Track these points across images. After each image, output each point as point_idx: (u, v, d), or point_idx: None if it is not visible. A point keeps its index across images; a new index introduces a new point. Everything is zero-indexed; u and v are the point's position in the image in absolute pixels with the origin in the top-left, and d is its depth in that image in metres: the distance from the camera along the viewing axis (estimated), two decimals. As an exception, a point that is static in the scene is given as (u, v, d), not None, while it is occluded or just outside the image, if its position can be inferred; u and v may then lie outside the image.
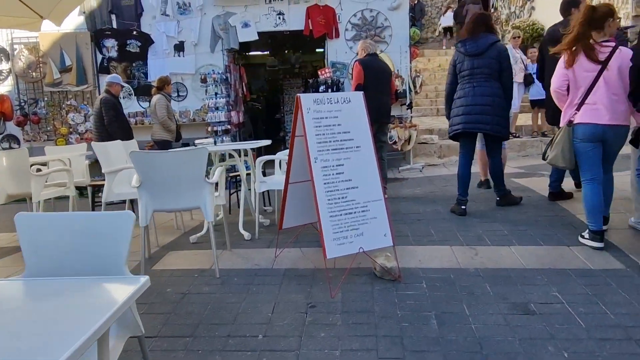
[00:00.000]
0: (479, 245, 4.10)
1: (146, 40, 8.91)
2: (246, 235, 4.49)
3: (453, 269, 3.64)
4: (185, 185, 3.54)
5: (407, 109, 8.71)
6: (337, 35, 8.86)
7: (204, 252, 4.20)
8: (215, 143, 4.79)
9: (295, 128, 3.56)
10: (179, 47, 8.94)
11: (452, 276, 3.52)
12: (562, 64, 3.95)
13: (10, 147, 9.16)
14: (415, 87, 8.57)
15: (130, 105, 9.08)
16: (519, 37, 8.59)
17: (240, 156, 4.89)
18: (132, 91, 9.05)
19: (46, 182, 5.31)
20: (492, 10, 18.95)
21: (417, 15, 15.17)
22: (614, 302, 3.06)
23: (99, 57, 8.99)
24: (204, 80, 8.71)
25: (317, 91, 8.42)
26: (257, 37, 8.85)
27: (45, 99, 9.08)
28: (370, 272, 3.60)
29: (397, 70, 8.80)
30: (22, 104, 9.07)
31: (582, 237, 4.04)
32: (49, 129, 9.14)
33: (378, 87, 5.82)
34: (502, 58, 4.82)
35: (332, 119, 3.47)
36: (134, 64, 9.01)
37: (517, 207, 5.22)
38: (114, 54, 8.95)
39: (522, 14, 15.27)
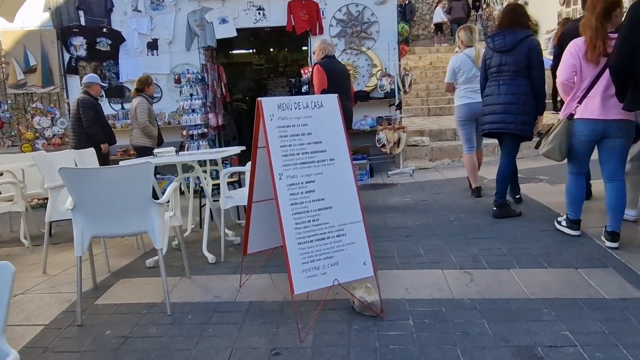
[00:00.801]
0: (474, 268, 3.58)
1: (117, 38, 8.32)
2: (210, 258, 3.95)
3: (445, 300, 3.12)
4: (128, 207, 2.99)
5: (396, 109, 8.19)
6: (321, 32, 8.32)
7: (159, 280, 3.65)
8: (177, 152, 4.23)
9: (257, 138, 3.02)
10: (153, 45, 8.37)
11: (444, 310, 2.99)
12: (570, 55, 3.71)
13: (-27, 154, 8.55)
14: (404, 86, 8.05)
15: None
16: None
17: (205, 166, 4.35)
18: (103, 93, 8.44)
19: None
20: (485, 6, 18.48)
21: (407, 16, 14.67)
22: (636, 344, 2.55)
23: (67, 56, 8.39)
24: (178, 81, 8.14)
25: (299, 92, 7.88)
26: (235, 34, 8.30)
27: (9, 101, 8.48)
28: (348, 305, 3.07)
29: (385, 68, 8.28)
30: (-16, 107, 8.46)
31: (559, 223, 4.21)
32: (13, 133, 8.54)
33: (340, 91, 5.32)
34: (532, 54, 4.45)
35: (300, 127, 2.93)
36: (104, 64, 8.43)
37: (515, 218, 4.71)
38: (82, 53, 8.36)
39: (515, 9, 14.80)
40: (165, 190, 3.37)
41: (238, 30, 8.33)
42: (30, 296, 3.50)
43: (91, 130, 6.53)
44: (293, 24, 8.22)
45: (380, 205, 5.93)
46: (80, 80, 8.36)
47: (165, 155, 4.21)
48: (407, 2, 14.84)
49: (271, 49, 12.93)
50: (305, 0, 8.22)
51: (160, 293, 3.36)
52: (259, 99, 2.86)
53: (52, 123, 8.48)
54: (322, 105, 3.01)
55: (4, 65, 8.34)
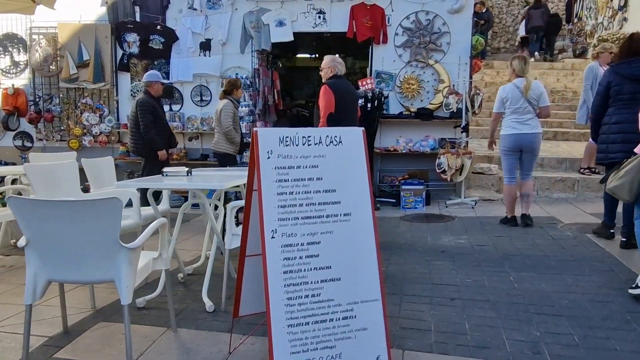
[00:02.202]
0: (534, 363, 2.71)
1: (170, 37, 7.97)
2: (208, 305, 3.31)
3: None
4: (90, 250, 2.40)
5: (462, 132, 7.28)
6: (385, 41, 7.56)
7: (143, 329, 3.05)
8: (190, 172, 3.63)
9: (251, 178, 2.34)
10: (205, 46, 7.94)
11: None
12: None
13: (24, 145, 8.52)
14: (473, 106, 7.13)
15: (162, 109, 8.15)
16: (611, 52, 6.91)
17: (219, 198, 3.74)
18: (153, 92, 8.11)
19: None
20: (575, 20, 16.91)
21: (484, 27, 13.52)
22: None
23: (119, 52, 8.14)
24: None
25: (354, 105, 7.13)
26: (291, 38, 7.71)
27: (61, 95, 8.33)
28: (356, 405, 2.32)
29: (454, 84, 7.39)
30: (37, 99, 8.36)
31: (636, 287, 3.51)
32: (62, 128, 8.39)
33: (348, 115, 5.00)
34: None
35: (307, 170, 2.22)
36: (155, 62, 8.10)
37: (592, 286, 3.76)
38: (135, 50, 8.07)
39: (612, 25, 13.27)
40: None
41: (297, 34, 7.75)
42: (-4, 332, 3.01)
43: (148, 135, 6.03)
44: (355, 30, 7.51)
45: (429, 245, 5.10)
46: (131, 78, 8.15)
47: (171, 176, 3.63)
48: (484, 10, 13.66)
49: (336, 55, 12.26)
50: (371, 5, 7.49)
51: (137, 349, 2.76)
52: (254, 129, 2.17)
53: (100, 120, 8.24)
54: (340, 142, 2.29)
55: (58, 58, 8.19)
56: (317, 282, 2.18)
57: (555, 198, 7.34)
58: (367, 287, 2.26)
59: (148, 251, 2.90)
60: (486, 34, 13.78)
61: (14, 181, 5.21)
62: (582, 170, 7.64)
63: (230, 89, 6.37)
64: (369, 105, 7.07)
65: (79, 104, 8.27)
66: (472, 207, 7.01)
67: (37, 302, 3.32)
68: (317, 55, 12.46)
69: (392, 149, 7.51)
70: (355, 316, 2.22)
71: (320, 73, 5.17)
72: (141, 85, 6.29)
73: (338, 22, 7.61)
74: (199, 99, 8.07)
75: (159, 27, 7.95)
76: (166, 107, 8.13)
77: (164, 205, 4.44)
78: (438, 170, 7.11)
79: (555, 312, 3.31)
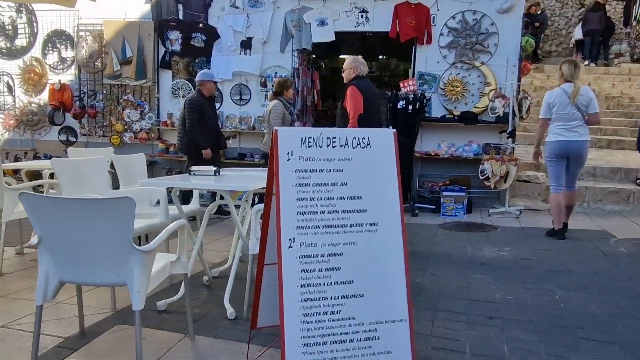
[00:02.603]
0: (579, 396, 2.44)
1: (212, 35, 7.94)
2: (229, 312, 3.17)
3: None
4: (102, 251, 2.29)
5: (508, 137, 6.92)
6: (429, 41, 7.29)
7: (160, 335, 2.94)
8: (218, 172, 3.51)
9: (270, 181, 2.16)
10: (246, 44, 7.87)
11: None
12: None
13: (68, 140, 8.68)
14: (520, 111, 6.76)
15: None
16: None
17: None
18: (193, 90, 8.10)
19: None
20: (634, 23, 16.03)
21: (538, 30, 12.93)
22: None
23: (162, 50, 8.17)
24: (264, 84, 7.56)
25: (394, 108, 6.91)
26: (333, 38, 7.54)
27: (104, 91, 8.44)
28: None
29: (500, 88, 7.05)
30: (82, 95, 8.50)
31: None
32: (105, 124, 8.50)
33: (375, 117, 4.99)
34: None
35: (331, 174, 2.03)
36: (196, 60, 8.09)
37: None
38: (177, 47, 8.09)
39: (675, 28, 12.51)
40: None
41: (339, 34, 7.57)
42: (9, 332, 2.96)
43: (192, 134, 5.99)
44: (398, 29, 7.27)
45: (468, 256, 4.81)
46: (172, 76, 8.17)
47: (198, 175, 3.52)
48: (539, 12, 13.10)
49: (380, 56, 12.05)
50: (415, 4, 7.23)
51: (151, 356, 2.64)
52: (275, 127, 2.00)
53: (141, 117, 8.30)
54: (369, 144, 2.09)
55: (103, 55, 8.30)
56: (338, 297, 1.99)
57: (608, 210, 6.89)
58: (393, 305, 2.05)
59: (166, 253, 2.77)
60: (539, 36, 13.18)
61: (52, 175, 5.25)
62: (638, 182, 7.14)
63: (280, 90, 6.28)
64: (410, 107, 6.82)
65: (121, 100, 8.36)
66: (517, 217, 6.65)
67: (58, 300, 3.28)
68: (359, 56, 12.26)
69: (433, 154, 7.23)
70: (378, 337, 2.01)
71: (343, 74, 5.06)
72: (197, 85, 6.19)
73: (381, 21, 7.39)
74: (238, 97, 8.01)
75: (201, 25, 7.93)
76: (205, 106, 8.12)
77: (194, 204, 4.35)
78: (481, 177, 6.79)
79: (607, 339, 3.00)
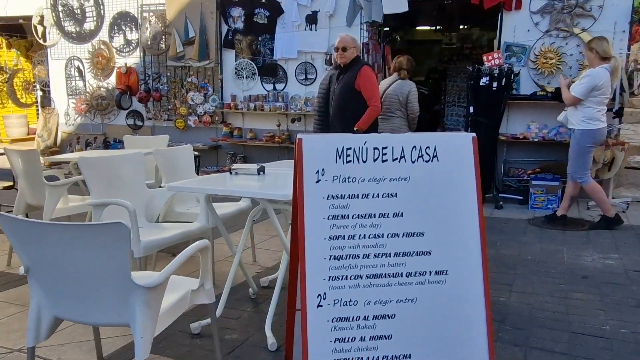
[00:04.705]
0: None
1: (275, 10, 7.41)
2: (270, 342, 2.65)
3: None
4: (98, 286, 1.84)
5: (614, 117, 5.88)
6: (519, 6, 6.32)
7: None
8: (262, 171, 3.00)
9: (295, 211, 1.58)
10: (312, 19, 7.27)
11: None
12: None
13: (135, 125, 8.59)
14: (631, 86, 5.70)
15: (253, 87, 7.74)
16: None
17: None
18: (257, 70, 7.67)
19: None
20: None
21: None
22: None
23: (224, 28, 7.76)
24: (329, 62, 6.94)
25: (476, 85, 6.07)
26: (406, 8, 6.73)
27: (168, 74, 8.20)
28: None
29: (606, 58, 5.96)
30: (147, 78, 8.32)
31: None
32: (169, 107, 8.28)
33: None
34: None
35: (380, 201, 1.43)
36: (260, 38, 7.61)
37: None
38: (240, 25, 7.64)
39: None
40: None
41: (414, 3, 6.76)
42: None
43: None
44: (482, -6, 6.36)
45: (565, 265, 4.02)
46: (236, 55, 7.77)
47: (239, 174, 3.01)
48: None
49: (461, 26, 10.99)
50: (502, -36, 6.27)
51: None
52: (298, 135, 1.42)
53: (205, 100, 7.99)
54: (435, 156, 1.47)
55: (165, 36, 8.03)
56: (387, 379, 1.40)
57: None
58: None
59: (187, 278, 2.30)
60: None
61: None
62: None
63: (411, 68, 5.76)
64: (494, 84, 5.94)
65: (184, 82, 8.08)
66: (624, 211, 5.67)
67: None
68: (439, 27, 11.30)
69: (521, 137, 6.32)
70: None
71: (341, 54, 4.58)
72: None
73: (462, -15, 6.50)
74: (303, 77, 7.46)
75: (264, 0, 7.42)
76: (269, 86, 7.67)
77: (244, 202, 3.88)
78: (580, 164, 5.82)
79: None
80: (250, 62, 7.69)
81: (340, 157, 1.42)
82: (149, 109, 8.38)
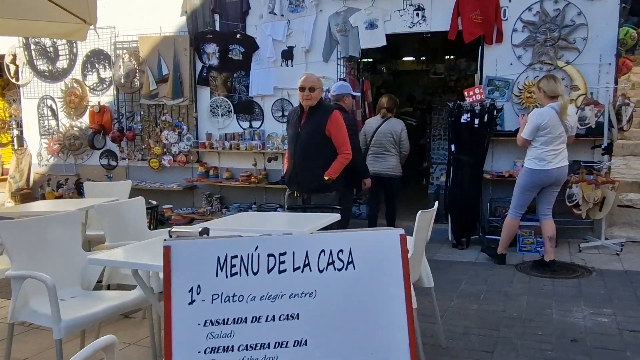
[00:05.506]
0: None
1: (250, 46, 7.17)
2: None
3: None
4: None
5: (603, 154, 5.58)
6: (500, 39, 6.08)
7: None
8: (204, 233, 2.64)
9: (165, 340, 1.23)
10: (288, 55, 7.03)
11: None
12: None
13: (109, 165, 8.27)
14: (620, 121, 5.41)
15: (229, 125, 7.45)
16: None
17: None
18: (232, 107, 7.39)
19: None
20: None
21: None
22: None
23: (199, 65, 7.51)
24: (306, 99, 6.65)
25: (457, 122, 5.78)
26: (384, 43, 6.51)
27: (142, 112, 7.91)
28: None
29: (592, 92, 5.71)
30: (120, 117, 8.03)
31: None
32: (143, 147, 7.96)
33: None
34: None
35: (277, 326, 1.06)
36: (235, 75, 7.35)
37: None
38: (214, 61, 7.39)
39: None
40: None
41: (392, 36, 6.53)
42: None
43: (358, 161, 4.89)
44: (460, 27, 6.12)
45: (553, 324, 3.64)
46: (211, 93, 7.52)
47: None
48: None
49: (447, 57, 10.80)
50: (481, -3, 6.05)
51: None
52: (165, 242, 1.08)
53: (179, 138, 7.69)
54: (351, 262, 1.11)
55: (138, 73, 7.77)
56: None
57: None
58: None
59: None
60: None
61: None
62: None
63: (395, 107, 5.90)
64: (476, 121, 5.66)
65: (159, 121, 7.79)
66: (617, 254, 5.32)
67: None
68: (423, 58, 11.12)
69: (507, 175, 5.98)
70: None
71: (308, 95, 4.21)
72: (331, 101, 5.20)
73: (440, 19, 6.26)
74: (280, 114, 7.17)
75: (238, 35, 7.18)
76: (245, 124, 7.38)
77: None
78: (569, 203, 5.49)
79: None
80: (226, 99, 7.41)
81: (222, 269, 1.08)
82: (122, 148, 8.06)
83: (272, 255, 1.11)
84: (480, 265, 5.18)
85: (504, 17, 6.05)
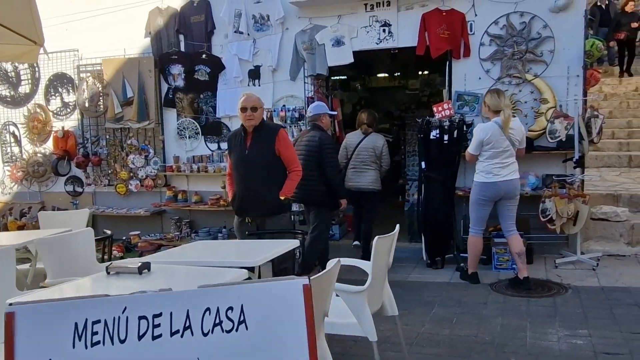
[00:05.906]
0: None
1: (216, 66, 7.01)
2: None
3: None
4: None
5: (575, 167, 5.48)
6: (467, 54, 6.01)
7: None
8: (145, 270, 2.43)
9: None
10: (254, 74, 6.88)
11: None
12: None
13: (75, 191, 7.99)
14: (590, 134, 5.33)
15: (197, 147, 7.24)
16: None
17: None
18: (200, 129, 7.20)
19: None
20: None
21: (610, 26, 11.04)
22: None
23: (165, 87, 7.32)
24: (270, 119, 6.50)
25: (427, 139, 5.66)
26: (351, 60, 6.41)
27: (107, 136, 7.68)
28: None
29: (561, 105, 5.64)
30: (85, 142, 7.78)
31: None
32: (110, 172, 7.71)
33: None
34: None
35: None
36: (201, 96, 7.17)
37: None
38: (180, 83, 7.21)
39: None
40: None
41: (364, 52, 6.44)
42: None
43: (336, 180, 5.18)
44: (428, 43, 6.03)
45: (527, 348, 3.46)
46: (177, 115, 7.32)
47: (113, 274, 2.44)
48: (606, 3, 11.24)
49: (420, 72, 10.78)
50: (447, 11, 5.98)
51: None
52: (7, 308, 0.87)
53: (146, 162, 7.45)
54: (243, 322, 0.92)
55: (102, 96, 7.55)
56: None
57: None
58: None
59: None
60: (608, 36, 11.20)
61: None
62: None
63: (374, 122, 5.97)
64: (446, 137, 5.54)
65: (125, 145, 7.55)
66: (594, 269, 5.19)
67: None
68: (397, 74, 11.09)
69: (480, 191, 5.85)
70: None
71: (251, 115, 4.15)
72: (308, 121, 5.45)
73: (407, 35, 6.17)
74: (249, 135, 6.98)
75: (204, 55, 7.01)
76: (214, 145, 7.19)
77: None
78: (543, 219, 5.38)
79: None
80: (193, 121, 7.22)
81: (81, 338, 0.88)
82: (88, 174, 7.79)
83: (144, 317, 0.91)
84: (454, 286, 5.01)
85: (471, 31, 5.99)
